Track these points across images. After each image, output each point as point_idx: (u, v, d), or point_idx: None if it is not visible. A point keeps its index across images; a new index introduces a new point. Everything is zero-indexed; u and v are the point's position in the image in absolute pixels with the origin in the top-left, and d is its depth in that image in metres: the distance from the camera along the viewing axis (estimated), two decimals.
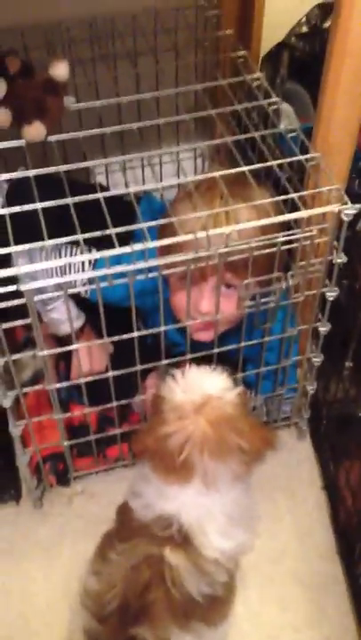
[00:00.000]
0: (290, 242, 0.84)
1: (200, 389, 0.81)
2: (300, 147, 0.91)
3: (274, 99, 0.96)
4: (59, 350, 0.90)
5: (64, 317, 0.92)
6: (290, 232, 0.83)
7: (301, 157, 0.88)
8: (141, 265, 0.78)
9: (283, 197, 0.84)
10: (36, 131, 0.91)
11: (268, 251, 0.82)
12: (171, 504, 0.82)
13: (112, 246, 0.77)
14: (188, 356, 0.93)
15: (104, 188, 1.02)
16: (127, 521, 0.87)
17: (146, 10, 1.09)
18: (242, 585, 0.97)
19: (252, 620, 0.99)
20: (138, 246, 0.77)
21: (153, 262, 0.79)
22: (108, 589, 0.84)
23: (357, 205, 0.81)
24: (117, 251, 0.77)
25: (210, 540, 0.83)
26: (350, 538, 1.02)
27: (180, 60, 1.12)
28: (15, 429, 0.95)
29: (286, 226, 0.83)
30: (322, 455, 1.15)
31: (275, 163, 0.87)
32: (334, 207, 0.81)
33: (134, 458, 1.11)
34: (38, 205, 0.81)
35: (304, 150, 0.90)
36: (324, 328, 0.97)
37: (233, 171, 0.86)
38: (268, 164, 0.87)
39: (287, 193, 0.84)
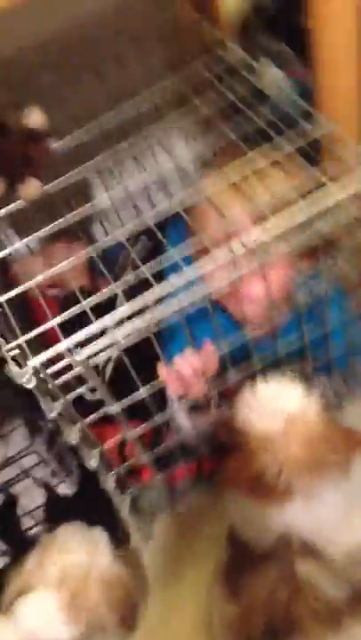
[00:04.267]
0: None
1: (280, 409, 0.78)
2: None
3: (255, 64, 0.89)
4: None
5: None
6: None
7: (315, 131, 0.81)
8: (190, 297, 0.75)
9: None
10: (32, 188, 0.87)
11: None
12: (282, 525, 0.82)
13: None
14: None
15: None
16: (243, 549, 0.87)
17: (99, 17, 1.02)
18: None
19: None
20: (178, 280, 0.73)
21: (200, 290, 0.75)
22: (249, 616, 0.84)
23: None
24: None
25: (331, 543, 0.82)
26: None
27: (147, 58, 1.05)
28: (109, 482, 0.93)
29: None
30: None
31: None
32: None
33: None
34: None
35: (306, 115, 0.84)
36: None
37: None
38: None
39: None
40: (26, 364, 0.72)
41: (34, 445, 1.07)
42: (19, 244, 0.95)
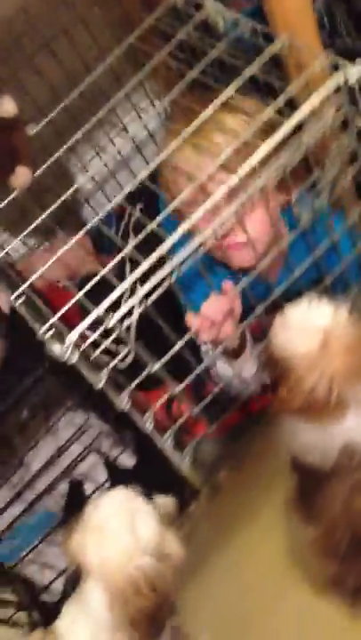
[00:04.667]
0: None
1: (314, 326, 0.80)
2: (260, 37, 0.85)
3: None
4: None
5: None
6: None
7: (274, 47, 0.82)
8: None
9: (285, 97, 0.79)
10: (23, 176, 0.87)
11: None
12: (341, 439, 0.83)
13: None
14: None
15: None
16: (309, 472, 0.88)
17: None
18: None
19: None
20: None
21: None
22: (332, 532, 0.86)
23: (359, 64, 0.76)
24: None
25: None
26: None
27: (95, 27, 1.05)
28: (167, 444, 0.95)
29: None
30: None
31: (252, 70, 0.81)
32: (338, 76, 0.76)
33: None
34: None
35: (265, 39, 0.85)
36: None
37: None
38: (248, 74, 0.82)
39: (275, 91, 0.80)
40: (64, 342, 0.74)
41: (89, 422, 1.09)
42: (15, 243, 0.95)
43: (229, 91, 0.82)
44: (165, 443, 0.97)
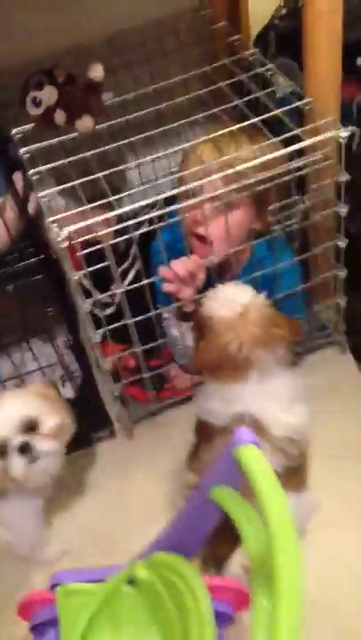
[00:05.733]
0: (298, 170, 1.05)
1: (236, 301, 1.00)
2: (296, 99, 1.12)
3: (269, 65, 1.18)
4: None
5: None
6: (303, 158, 1.03)
7: (299, 103, 1.09)
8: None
9: (290, 134, 1.04)
10: (86, 123, 1.14)
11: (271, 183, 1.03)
12: (238, 403, 0.99)
13: None
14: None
15: None
16: (206, 431, 1.04)
17: (153, 20, 1.33)
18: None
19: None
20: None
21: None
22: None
23: (350, 127, 1.02)
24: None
25: (277, 419, 0.99)
26: None
27: (185, 55, 1.35)
28: (105, 364, 1.16)
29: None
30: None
31: (278, 111, 1.08)
32: (332, 132, 1.02)
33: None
34: None
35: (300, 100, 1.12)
36: (342, 243, 1.17)
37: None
38: (271, 114, 1.09)
39: (292, 137, 1.05)
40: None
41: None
42: (59, 199, 1.18)
43: (253, 121, 1.08)
44: (109, 384, 1.18)
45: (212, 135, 1.10)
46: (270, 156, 1.01)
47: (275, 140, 1.04)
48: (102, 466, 1.28)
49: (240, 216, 1.14)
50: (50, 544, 1.15)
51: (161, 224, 1.04)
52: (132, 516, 1.20)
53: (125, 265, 1.14)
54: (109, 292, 1.07)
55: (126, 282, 1.13)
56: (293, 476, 1.05)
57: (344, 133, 1.02)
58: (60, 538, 1.17)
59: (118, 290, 1.06)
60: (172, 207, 1.02)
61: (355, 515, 1.15)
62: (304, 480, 1.10)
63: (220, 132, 1.09)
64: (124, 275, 1.13)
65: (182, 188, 1.03)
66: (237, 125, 1.09)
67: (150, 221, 1.03)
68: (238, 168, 1.01)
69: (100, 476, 1.27)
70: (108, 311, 1.10)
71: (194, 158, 1.11)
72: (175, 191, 1.03)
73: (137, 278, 1.11)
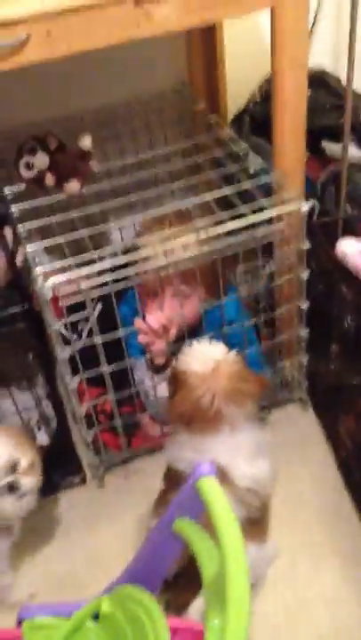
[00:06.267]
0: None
1: (209, 357, 1.07)
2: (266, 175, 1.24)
3: (243, 146, 1.31)
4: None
5: None
6: (268, 227, 1.14)
7: (267, 179, 1.21)
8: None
9: (263, 203, 1.16)
10: (73, 187, 1.25)
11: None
12: (208, 453, 1.03)
13: None
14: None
15: None
16: (175, 478, 1.09)
17: (138, 98, 1.47)
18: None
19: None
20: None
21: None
22: None
23: (311, 201, 1.13)
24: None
25: (241, 471, 1.06)
26: (351, 470, 1.28)
27: (167, 131, 1.48)
28: (80, 409, 1.23)
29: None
30: (322, 416, 1.42)
31: (249, 186, 1.20)
32: (294, 205, 1.14)
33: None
34: None
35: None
36: (304, 305, 1.27)
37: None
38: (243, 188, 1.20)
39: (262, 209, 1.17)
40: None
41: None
42: (44, 257, 1.25)
43: (227, 193, 1.20)
44: (82, 430, 1.24)
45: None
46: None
47: (245, 210, 1.15)
48: (71, 512, 1.32)
49: (193, 304, 1.24)
50: (16, 586, 1.18)
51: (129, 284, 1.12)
52: (99, 563, 1.23)
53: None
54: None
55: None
56: (254, 526, 1.11)
57: (305, 207, 1.14)
58: (27, 581, 1.20)
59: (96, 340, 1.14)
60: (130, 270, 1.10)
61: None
62: (265, 531, 1.16)
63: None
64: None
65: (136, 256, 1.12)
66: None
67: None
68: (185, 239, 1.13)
69: (69, 523, 1.31)
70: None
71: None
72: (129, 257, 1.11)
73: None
